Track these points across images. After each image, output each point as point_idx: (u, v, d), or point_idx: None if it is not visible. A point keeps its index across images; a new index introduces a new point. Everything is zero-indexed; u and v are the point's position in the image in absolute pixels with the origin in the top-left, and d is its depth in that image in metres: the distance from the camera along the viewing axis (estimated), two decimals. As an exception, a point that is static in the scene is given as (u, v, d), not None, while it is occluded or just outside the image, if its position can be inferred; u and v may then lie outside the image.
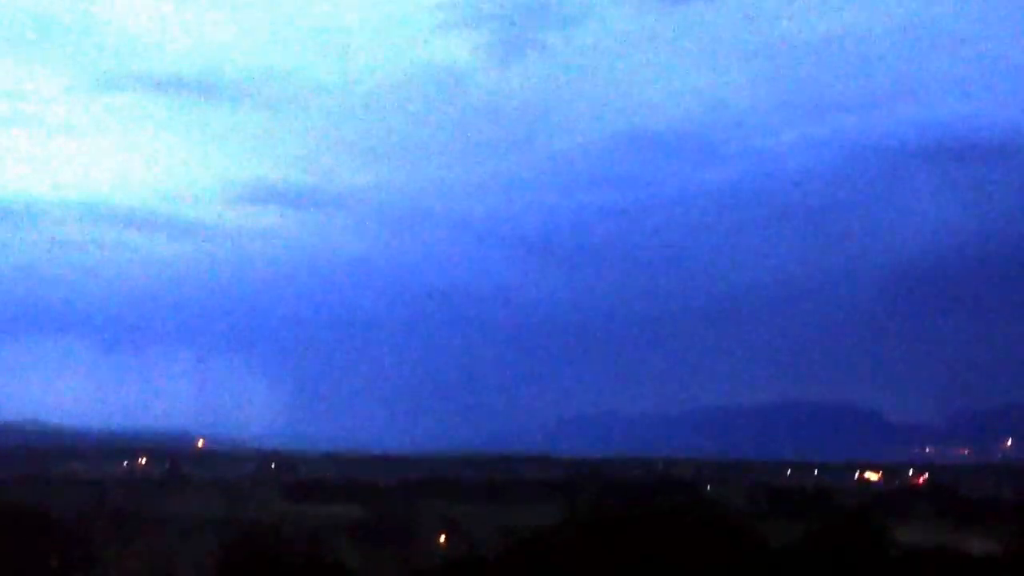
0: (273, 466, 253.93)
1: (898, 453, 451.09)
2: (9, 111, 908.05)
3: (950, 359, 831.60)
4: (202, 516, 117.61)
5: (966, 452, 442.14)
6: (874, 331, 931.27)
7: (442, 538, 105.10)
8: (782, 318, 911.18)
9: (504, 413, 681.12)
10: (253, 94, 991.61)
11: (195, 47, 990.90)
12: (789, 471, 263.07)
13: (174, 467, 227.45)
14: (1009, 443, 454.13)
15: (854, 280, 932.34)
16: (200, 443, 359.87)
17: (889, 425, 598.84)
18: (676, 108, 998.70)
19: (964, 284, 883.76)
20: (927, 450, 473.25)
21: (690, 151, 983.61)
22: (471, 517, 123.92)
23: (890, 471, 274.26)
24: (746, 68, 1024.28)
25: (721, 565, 60.76)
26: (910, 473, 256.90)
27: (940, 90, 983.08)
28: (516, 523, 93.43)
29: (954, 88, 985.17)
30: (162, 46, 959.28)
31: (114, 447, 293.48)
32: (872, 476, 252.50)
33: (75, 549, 74.07)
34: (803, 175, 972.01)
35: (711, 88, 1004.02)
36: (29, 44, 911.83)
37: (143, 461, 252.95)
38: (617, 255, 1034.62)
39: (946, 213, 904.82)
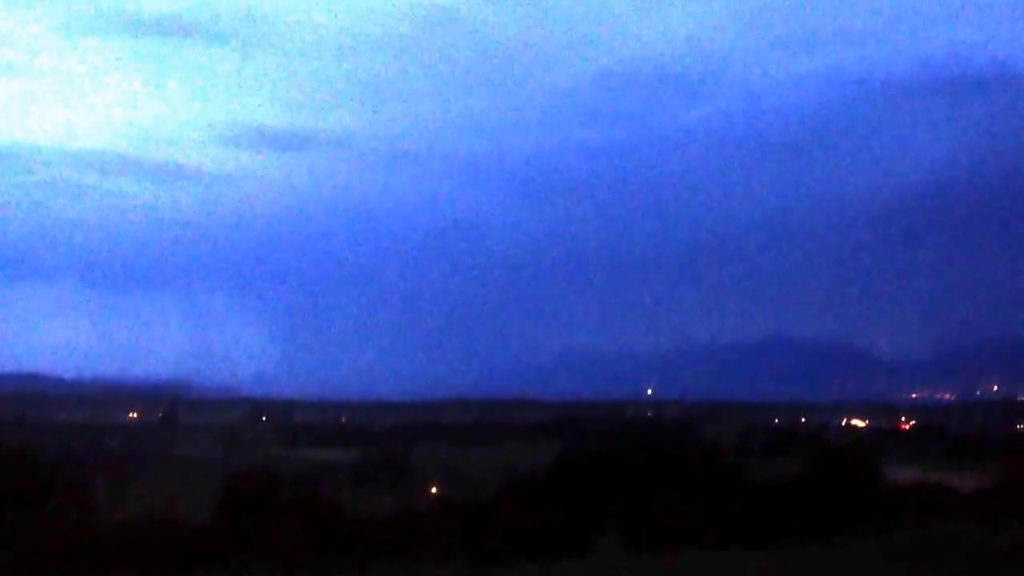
0: (266, 413, 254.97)
1: (885, 391, 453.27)
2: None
3: (937, 296, 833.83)
4: (198, 460, 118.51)
5: (951, 396, 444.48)
6: (860, 268, 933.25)
7: (437, 481, 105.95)
8: (769, 255, 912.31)
9: (493, 355, 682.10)
10: (238, 35, 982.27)
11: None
12: (776, 413, 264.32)
13: (168, 413, 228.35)
14: (996, 388, 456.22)
15: (841, 217, 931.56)
16: (193, 393, 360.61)
17: (875, 363, 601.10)
18: (663, 45, 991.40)
19: (952, 220, 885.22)
20: (912, 395, 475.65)
21: (678, 88, 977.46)
22: (465, 460, 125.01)
23: (877, 412, 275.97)
24: (732, 4, 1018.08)
25: (716, 502, 61.52)
26: (901, 418, 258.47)
27: (929, 23, 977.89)
28: (508, 466, 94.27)
29: (944, 21, 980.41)
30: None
31: (107, 395, 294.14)
32: (859, 423, 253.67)
33: (70, 493, 74.46)
34: (790, 111, 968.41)
35: (697, 25, 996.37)
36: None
37: (136, 409, 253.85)
38: (605, 193, 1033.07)
39: (934, 148, 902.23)
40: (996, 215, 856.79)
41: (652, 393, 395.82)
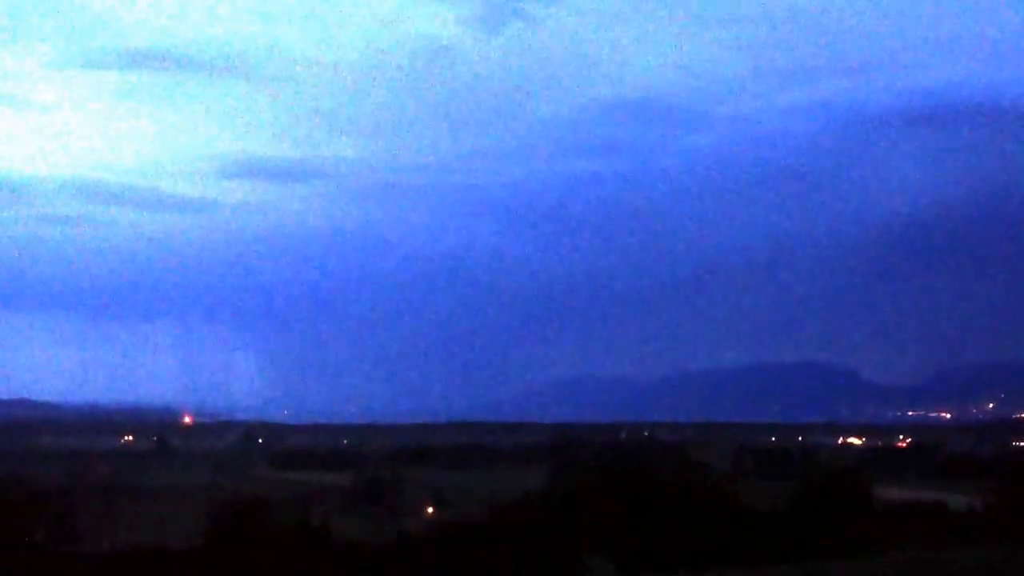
0: (260, 437, 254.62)
1: (878, 414, 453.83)
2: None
3: (928, 320, 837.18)
4: (190, 486, 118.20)
5: (947, 416, 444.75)
6: (853, 293, 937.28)
7: (429, 504, 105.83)
8: (762, 281, 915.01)
9: (488, 380, 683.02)
10: (236, 68, 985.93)
11: (176, 21, 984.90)
12: (772, 434, 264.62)
13: (162, 440, 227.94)
14: (991, 406, 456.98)
15: (835, 243, 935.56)
16: (187, 419, 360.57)
17: (869, 386, 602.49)
18: (660, 76, 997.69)
19: (942, 245, 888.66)
20: (909, 413, 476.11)
21: (674, 118, 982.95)
22: (457, 483, 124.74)
23: (872, 433, 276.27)
24: (729, 36, 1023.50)
25: (710, 526, 61.40)
26: (900, 437, 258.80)
27: (922, 55, 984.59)
28: (501, 489, 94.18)
29: (935, 53, 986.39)
30: (144, 21, 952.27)
31: (101, 422, 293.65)
32: (855, 441, 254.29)
33: (61, 521, 74.26)
34: (785, 141, 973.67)
35: (695, 56, 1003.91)
36: (6, 23, 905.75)
37: (130, 435, 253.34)
38: (599, 222, 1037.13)
39: (925, 175, 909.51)
40: (991, 240, 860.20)
41: (646, 416, 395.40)
